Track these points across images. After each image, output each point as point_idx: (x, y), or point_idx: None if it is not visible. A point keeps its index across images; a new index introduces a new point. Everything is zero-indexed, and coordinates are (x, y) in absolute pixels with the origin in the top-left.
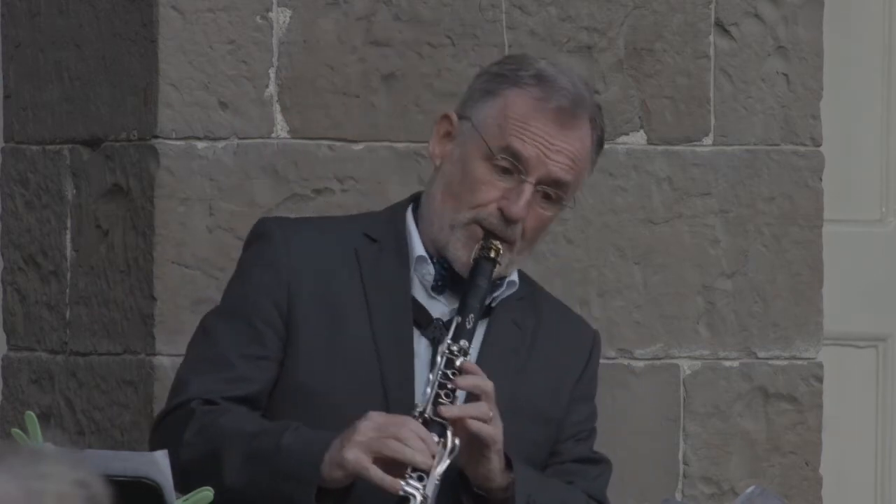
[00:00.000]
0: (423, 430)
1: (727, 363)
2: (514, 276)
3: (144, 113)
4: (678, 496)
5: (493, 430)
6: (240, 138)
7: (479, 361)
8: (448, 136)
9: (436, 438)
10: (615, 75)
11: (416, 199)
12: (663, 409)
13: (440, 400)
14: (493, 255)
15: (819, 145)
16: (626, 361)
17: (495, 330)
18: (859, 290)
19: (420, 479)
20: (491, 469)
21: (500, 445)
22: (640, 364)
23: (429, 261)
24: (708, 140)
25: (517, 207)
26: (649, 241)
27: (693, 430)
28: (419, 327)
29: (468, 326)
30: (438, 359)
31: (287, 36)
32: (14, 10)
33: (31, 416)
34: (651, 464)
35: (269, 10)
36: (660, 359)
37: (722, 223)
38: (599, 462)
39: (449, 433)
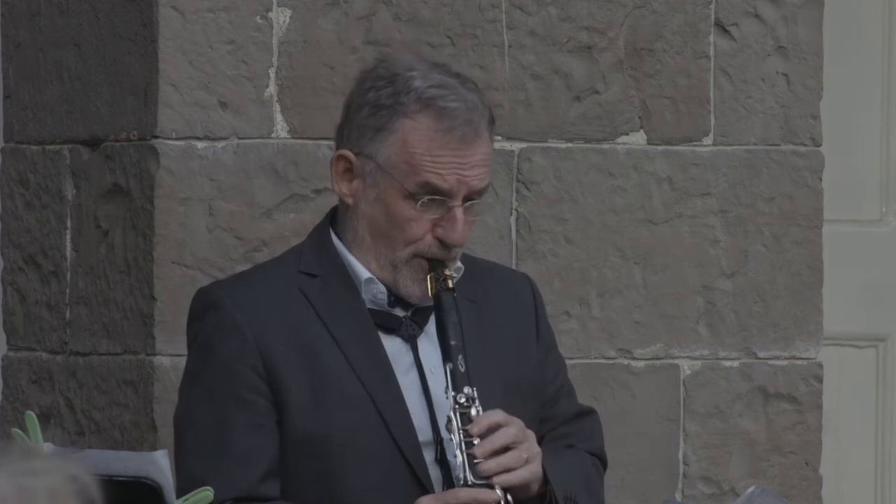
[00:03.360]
0: (478, 493)
1: (727, 363)
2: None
3: (144, 113)
4: (678, 496)
5: (532, 469)
6: (240, 138)
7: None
8: (348, 172)
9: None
10: (615, 75)
11: (332, 221)
12: (663, 409)
13: (475, 461)
14: (449, 284)
15: (819, 145)
16: (626, 361)
17: (461, 316)
18: (859, 290)
19: None
20: (531, 489)
21: (539, 474)
22: (640, 364)
23: (377, 281)
24: (708, 140)
25: (456, 234)
26: (649, 241)
27: (693, 430)
28: (392, 331)
29: (462, 370)
30: (452, 415)
31: (287, 36)
32: (14, 10)
33: (31, 416)
34: (651, 464)
35: (269, 10)
36: (660, 359)
37: (722, 223)
38: (589, 414)
39: (499, 490)
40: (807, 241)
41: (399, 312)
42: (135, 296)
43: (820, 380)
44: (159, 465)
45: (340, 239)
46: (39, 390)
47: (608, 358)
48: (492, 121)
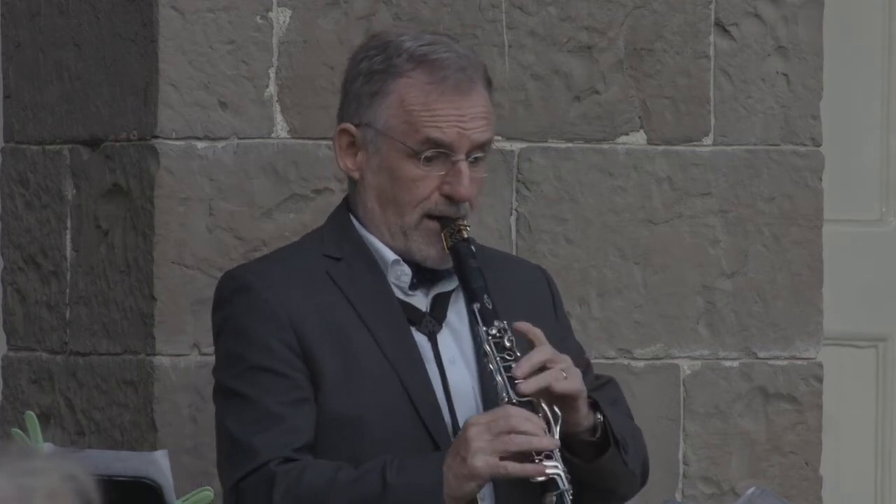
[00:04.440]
0: (527, 413)
1: (727, 363)
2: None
3: (144, 113)
4: (678, 496)
5: (576, 383)
6: (240, 138)
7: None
8: (352, 146)
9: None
10: (615, 75)
11: (348, 206)
12: (663, 409)
13: (515, 382)
14: (465, 235)
15: (819, 145)
16: (626, 361)
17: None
18: (859, 290)
19: (548, 456)
20: (580, 415)
21: (584, 393)
22: (640, 364)
23: (402, 262)
24: (708, 140)
25: (463, 188)
26: (649, 241)
27: (693, 430)
28: (413, 325)
29: (489, 307)
30: (488, 348)
31: (287, 36)
32: (14, 10)
33: (31, 416)
34: (651, 464)
35: (269, 10)
36: (660, 359)
37: (722, 223)
38: (608, 382)
39: (544, 406)
40: (807, 241)
41: (420, 298)
42: (135, 296)
43: (820, 380)
44: (159, 465)
45: (359, 221)
46: (39, 390)
47: (608, 358)
48: (488, 79)
